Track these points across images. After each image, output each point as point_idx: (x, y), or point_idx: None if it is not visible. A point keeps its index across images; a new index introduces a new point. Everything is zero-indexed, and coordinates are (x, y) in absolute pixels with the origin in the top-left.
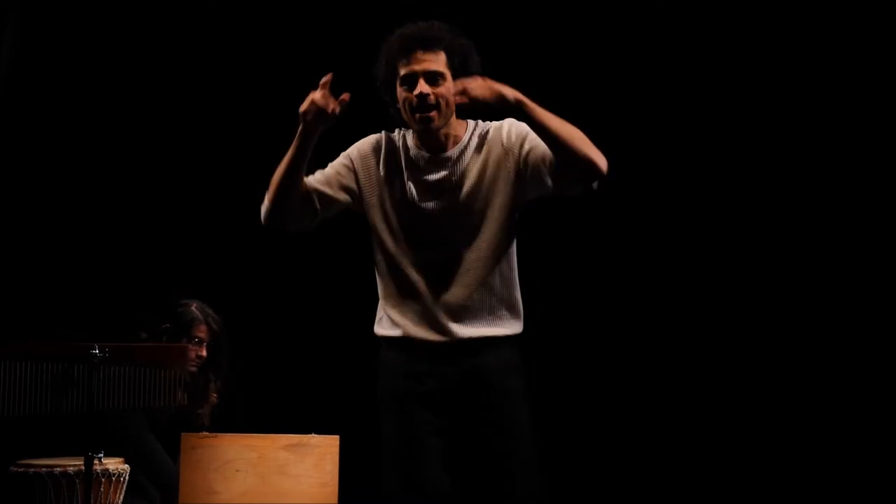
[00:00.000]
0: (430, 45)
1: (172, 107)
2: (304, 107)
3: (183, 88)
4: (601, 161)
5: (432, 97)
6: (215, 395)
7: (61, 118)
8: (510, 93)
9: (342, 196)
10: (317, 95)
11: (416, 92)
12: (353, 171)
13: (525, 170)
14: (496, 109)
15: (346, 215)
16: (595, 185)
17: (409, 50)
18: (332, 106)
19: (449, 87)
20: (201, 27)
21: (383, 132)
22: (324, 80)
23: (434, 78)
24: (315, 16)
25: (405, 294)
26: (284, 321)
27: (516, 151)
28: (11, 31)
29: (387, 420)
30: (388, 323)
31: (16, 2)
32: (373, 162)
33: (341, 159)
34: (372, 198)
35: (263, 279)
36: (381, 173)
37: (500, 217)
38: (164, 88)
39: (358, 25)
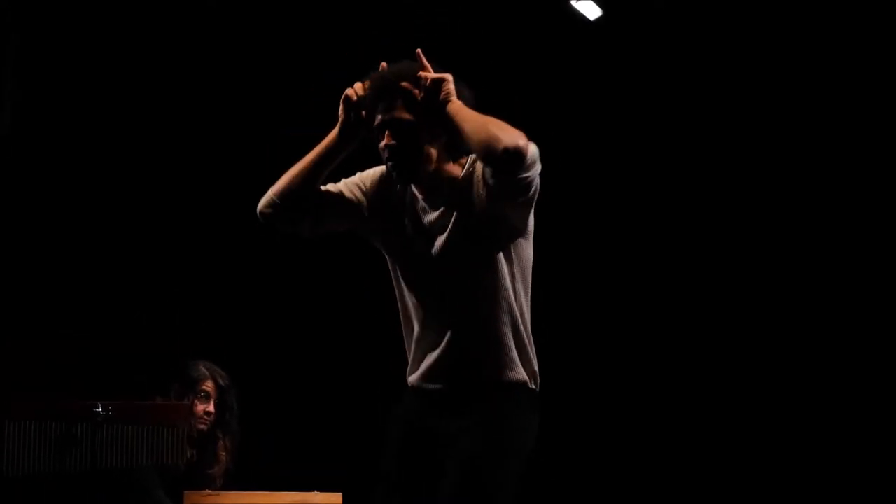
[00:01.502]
0: (395, 92)
1: (174, 110)
2: (350, 91)
3: (183, 91)
4: (509, 139)
5: (401, 147)
6: (224, 453)
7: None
8: (448, 90)
9: (347, 207)
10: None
11: (382, 144)
12: (365, 194)
13: (487, 187)
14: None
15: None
16: (522, 169)
17: (376, 97)
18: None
19: (419, 133)
20: (201, 27)
21: None
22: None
23: (401, 127)
24: (315, 16)
25: (411, 338)
26: (287, 377)
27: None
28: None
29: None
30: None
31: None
32: (382, 192)
33: (353, 179)
34: (378, 227)
35: (267, 331)
36: (388, 207)
37: (496, 254)
38: (165, 90)
39: (358, 25)
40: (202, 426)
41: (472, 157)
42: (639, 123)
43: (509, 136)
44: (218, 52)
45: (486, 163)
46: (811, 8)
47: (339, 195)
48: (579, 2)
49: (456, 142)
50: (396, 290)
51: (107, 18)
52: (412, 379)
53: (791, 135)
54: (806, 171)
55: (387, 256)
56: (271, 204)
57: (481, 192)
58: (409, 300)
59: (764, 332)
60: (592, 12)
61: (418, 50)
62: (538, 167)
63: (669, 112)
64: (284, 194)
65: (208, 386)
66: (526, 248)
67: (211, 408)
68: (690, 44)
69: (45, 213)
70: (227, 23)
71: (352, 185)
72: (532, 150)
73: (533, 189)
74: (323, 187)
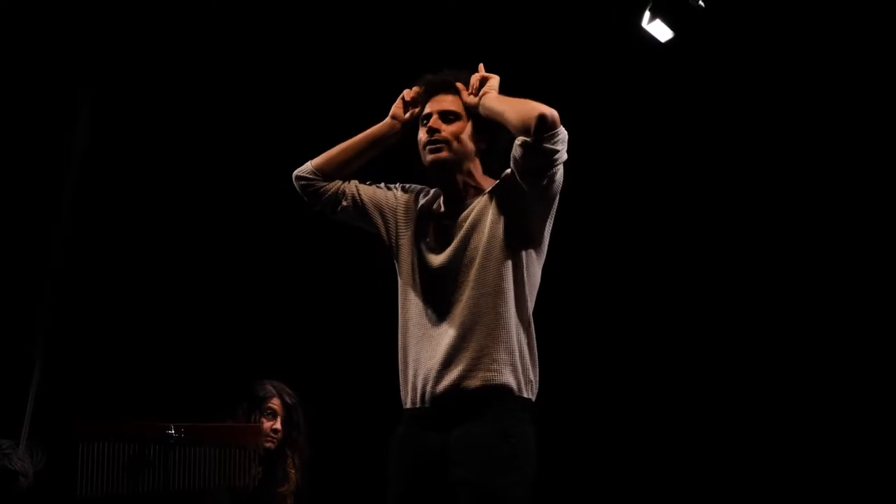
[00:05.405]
0: (448, 88)
1: (173, 112)
2: (407, 91)
3: (184, 91)
4: (543, 107)
5: (444, 132)
6: (293, 471)
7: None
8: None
9: (373, 206)
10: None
11: (423, 133)
12: (395, 199)
13: (515, 183)
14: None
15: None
16: (553, 132)
17: (428, 94)
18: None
19: (463, 127)
20: (200, 27)
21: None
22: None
23: (447, 116)
24: (316, 16)
25: (407, 358)
26: (360, 400)
27: (510, 179)
28: None
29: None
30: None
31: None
32: (413, 204)
33: (389, 185)
34: (401, 239)
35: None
36: (415, 219)
37: (505, 262)
38: (164, 90)
39: (359, 25)
40: (269, 444)
41: (497, 182)
42: (703, 145)
43: (544, 106)
44: (217, 52)
45: (521, 129)
46: (810, 10)
47: (372, 185)
48: (650, 24)
49: (494, 151)
50: (400, 306)
51: (102, 16)
52: (411, 397)
53: (790, 138)
54: (803, 174)
55: (397, 262)
56: (309, 171)
57: (504, 200)
58: (414, 311)
59: (763, 353)
60: (664, 34)
61: (481, 64)
62: (565, 144)
63: (665, 119)
64: (321, 167)
65: (275, 404)
66: (534, 267)
67: (278, 425)
68: (690, 46)
69: (45, 213)
70: (226, 23)
71: (388, 185)
72: (561, 126)
73: (556, 166)
74: (356, 180)
